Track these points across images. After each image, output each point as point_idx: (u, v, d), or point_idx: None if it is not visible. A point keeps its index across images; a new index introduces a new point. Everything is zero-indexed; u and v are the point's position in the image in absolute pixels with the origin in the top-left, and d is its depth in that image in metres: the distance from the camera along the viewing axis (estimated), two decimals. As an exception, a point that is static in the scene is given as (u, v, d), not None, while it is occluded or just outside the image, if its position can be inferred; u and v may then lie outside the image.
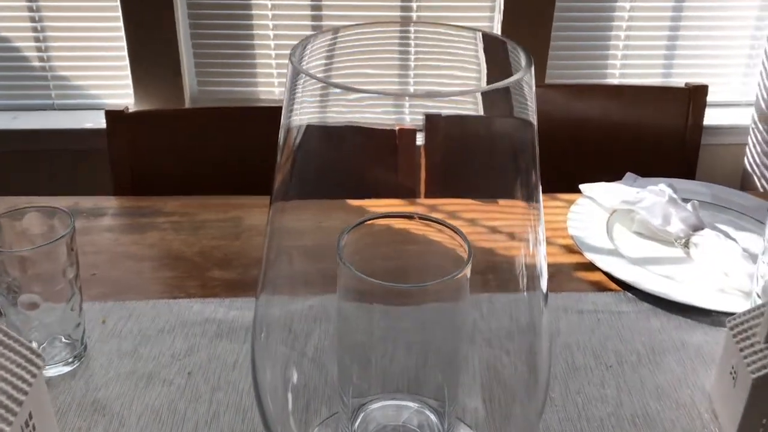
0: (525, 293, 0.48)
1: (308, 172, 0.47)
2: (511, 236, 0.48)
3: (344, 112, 0.55)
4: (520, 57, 0.40)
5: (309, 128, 0.47)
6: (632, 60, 1.72)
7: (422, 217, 0.47)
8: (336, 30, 0.46)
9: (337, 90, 0.50)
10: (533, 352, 0.48)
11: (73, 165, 1.61)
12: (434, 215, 0.47)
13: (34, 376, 0.47)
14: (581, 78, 1.69)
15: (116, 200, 0.91)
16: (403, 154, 0.92)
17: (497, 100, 0.44)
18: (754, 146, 1.56)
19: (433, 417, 0.50)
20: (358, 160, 0.57)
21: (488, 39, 0.44)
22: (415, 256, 0.51)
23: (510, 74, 0.41)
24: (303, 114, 0.46)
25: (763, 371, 0.51)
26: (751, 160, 1.58)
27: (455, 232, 0.45)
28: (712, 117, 1.67)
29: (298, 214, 0.48)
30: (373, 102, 0.46)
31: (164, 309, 0.69)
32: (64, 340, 0.61)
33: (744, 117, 1.66)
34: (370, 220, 0.46)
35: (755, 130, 1.55)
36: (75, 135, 1.62)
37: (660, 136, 1.09)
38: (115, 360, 0.62)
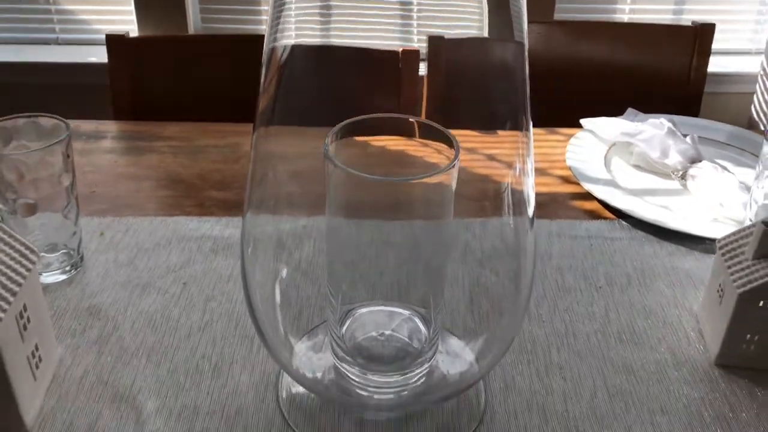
0: (511, 217, 0.49)
1: (297, 97, 0.47)
2: (504, 164, 0.48)
3: (341, 26, 0.54)
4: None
5: (297, 48, 0.46)
6: (642, 4, 1.69)
7: (413, 123, 0.47)
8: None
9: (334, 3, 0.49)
10: (518, 271, 0.49)
11: (76, 99, 1.60)
12: (433, 144, 0.47)
13: (28, 270, 0.48)
14: (590, 15, 1.66)
15: (116, 124, 0.91)
16: (405, 79, 0.92)
17: (497, 15, 0.44)
18: (762, 94, 1.55)
19: (419, 323, 0.51)
20: (355, 85, 0.56)
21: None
22: (406, 174, 0.50)
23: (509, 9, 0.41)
24: (290, 31, 0.46)
25: (749, 286, 0.51)
26: (758, 108, 1.56)
27: (444, 138, 0.45)
28: (721, 64, 1.66)
29: (286, 140, 0.49)
30: (374, 17, 0.46)
31: (161, 225, 0.69)
32: (60, 249, 0.62)
33: (753, 65, 1.64)
34: (359, 125, 0.46)
35: (763, 77, 1.54)
36: (78, 69, 1.62)
37: (665, 75, 1.07)
38: (112, 270, 0.63)
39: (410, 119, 0.47)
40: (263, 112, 0.46)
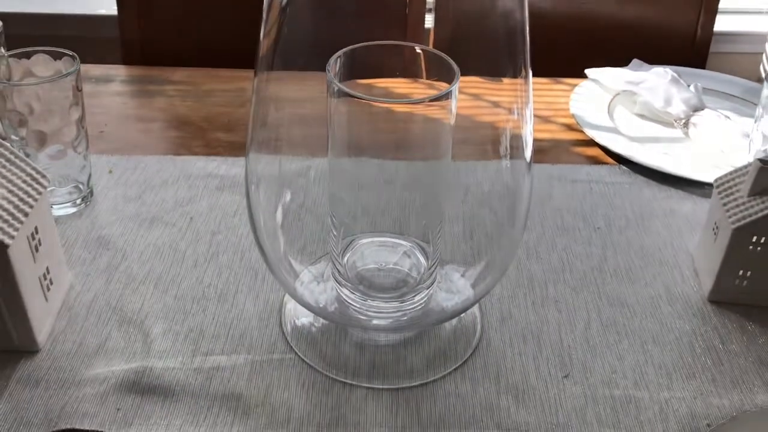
0: (510, 160, 0.50)
1: (299, 42, 0.48)
2: (506, 111, 0.49)
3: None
4: None
5: None
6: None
7: (414, 49, 0.48)
8: None
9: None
10: (513, 209, 0.50)
11: (85, 51, 1.61)
12: (437, 84, 0.48)
13: (39, 193, 0.49)
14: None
15: (125, 69, 0.92)
16: (411, 27, 0.91)
17: None
18: (771, 54, 1.53)
19: (419, 254, 0.53)
20: (359, 32, 0.57)
21: None
22: (404, 133, 0.50)
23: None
24: None
25: (743, 221, 0.52)
26: (766, 68, 1.55)
27: (445, 62, 0.45)
28: (730, 23, 1.64)
29: (287, 86, 0.49)
30: None
31: (169, 163, 0.71)
32: (71, 182, 0.63)
33: (762, 24, 1.62)
34: (361, 51, 0.47)
35: (773, 36, 1.52)
36: (87, 20, 1.62)
37: (671, 32, 1.07)
38: (120, 204, 0.65)
39: (412, 46, 0.48)
40: (264, 56, 0.47)
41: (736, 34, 1.62)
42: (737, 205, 0.53)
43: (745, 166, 0.56)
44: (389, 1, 0.87)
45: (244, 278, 0.57)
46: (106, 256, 0.59)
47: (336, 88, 0.43)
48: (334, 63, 0.45)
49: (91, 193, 0.65)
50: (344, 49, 0.45)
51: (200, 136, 0.76)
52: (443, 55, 0.46)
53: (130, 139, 0.75)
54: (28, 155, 0.59)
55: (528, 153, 0.48)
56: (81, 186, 0.64)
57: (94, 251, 0.59)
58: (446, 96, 0.44)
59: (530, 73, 0.46)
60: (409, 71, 0.50)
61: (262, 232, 0.49)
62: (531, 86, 0.47)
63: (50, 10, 1.66)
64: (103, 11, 1.64)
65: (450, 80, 0.44)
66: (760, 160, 0.52)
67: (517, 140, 0.49)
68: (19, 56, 0.60)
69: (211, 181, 0.68)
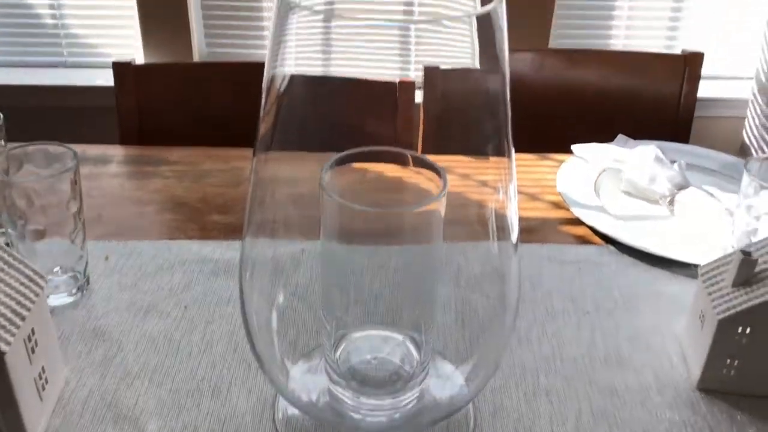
0: (496, 242, 0.51)
1: (296, 124, 0.50)
2: (491, 190, 0.50)
3: (339, 55, 0.57)
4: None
5: (296, 77, 0.49)
6: (636, 30, 1.72)
7: (405, 156, 0.50)
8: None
9: (333, 28, 0.52)
10: (504, 293, 0.51)
11: (83, 121, 1.64)
12: (425, 172, 0.50)
13: (37, 295, 0.50)
14: (585, 45, 1.70)
15: (122, 149, 0.94)
16: (402, 108, 0.94)
17: (485, 45, 0.46)
18: (753, 119, 1.57)
19: (411, 347, 0.53)
20: (353, 113, 0.59)
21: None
22: (398, 200, 0.53)
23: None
24: (290, 60, 0.48)
25: (728, 312, 0.53)
26: (750, 133, 1.59)
27: (433, 170, 0.47)
28: (712, 89, 1.68)
29: (285, 165, 0.51)
30: (371, 42, 0.48)
31: (164, 248, 0.72)
32: (67, 272, 0.64)
33: (745, 90, 1.67)
34: (353, 158, 0.49)
35: (754, 102, 1.56)
36: (86, 91, 1.65)
37: (656, 103, 1.10)
38: (116, 293, 0.65)
39: (402, 152, 0.49)
40: (263, 137, 0.48)
41: (719, 99, 1.66)
42: (722, 296, 0.55)
43: (729, 255, 0.57)
44: (380, 87, 0.90)
45: (238, 371, 0.57)
46: (102, 348, 0.59)
47: (329, 195, 0.45)
48: (325, 171, 0.46)
49: (88, 281, 0.66)
50: (336, 156, 0.47)
51: (196, 218, 0.78)
52: (431, 161, 0.47)
53: (127, 223, 0.76)
54: (25, 244, 0.60)
55: (514, 235, 0.49)
56: (78, 275, 0.65)
57: (90, 343, 0.60)
58: (438, 198, 0.46)
59: (512, 151, 0.48)
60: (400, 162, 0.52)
61: (256, 335, 0.50)
62: (514, 165, 0.48)
63: (50, 82, 1.69)
64: (101, 82, 1.67)
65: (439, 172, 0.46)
66: (743, 251, 0.54)
67: (503, 220, 0.50)
68: (19, 151, 0.62)
69: (206, 266, 0.69)
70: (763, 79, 1.55)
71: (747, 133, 1.62)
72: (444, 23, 0.46)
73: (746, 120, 1.62)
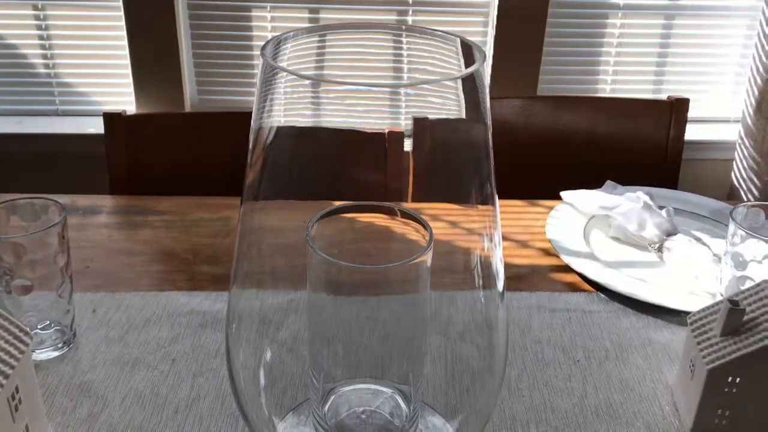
0: (482, 291, 0.51)
1: (283, 173, 0.50)
2: (477, 238, 0.51)
3: (323, 113, 0.58)
4: (477, 55, 0.43)
5: (282, 129, 0.49)
6: (623, 75, 1.76)
7: (392, 209, 0.50)
8: (315, 30, 0.49)
9: (316, 89, 0.52)
10: (492, 343, 0.51)
11: (75, 168, 1.64)
12: (413, 223, 0.50)
13: (21, 352, 0.50)
14: (573, 91, 1.73)
15: (112, 199, 0.94)
16: (391, 157, 0.95)
17: (469, 99, 0.47)
18: (741, 161, 1.59)
19: (400, 401, 0.53)
20: (338, 163, 0.59)
21: (463, 44, 0.47)
22: (385, 250, 0.53)
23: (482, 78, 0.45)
24: (276, 114, 0.49)
25: (717, 362, 0.53)
26: (738, 175, 1.60)
27: (419, 223, 0.48)
28: (700, 132, 1.71)
29: (272, 214, 0.51)
30: (353, 102, 0.49)
31: (152, 300, 0.71)
32: (54, 326, 0.63)
33: (732, 133, 1.69)
34: (340, 211, 0.49)
35: (741, 145, 1.58)
36: (77, 139, 1.66)
37: (643, 148, 1.11)
38: (103, 346, 0.65)
39: (389, 206, 0.50)
40: (250, 186, 0.49)
41: (707, 142, 1.69)
42: (711, 345, 0.54)
43: (717, 304, 0.57)
44: (369, 137, 0.91)
45: (225, 426, 0.57)
46: (87, 404, 0.58)
47: (316, 253, 0.45)
48: (311, 225, 0.47)
49: (74, 335, 0.65)
50: (322, 212, 0.47)
51: (185, 269, 0.77)
52: (416, 214, 0.48)
53: (115, 274, 0.76)
54: (11, 298, 0.60)
55: (500, 284, 0.49)
56: (64, 329, 0.64)
57: (75, 399, 0.59)
58: (424, 253, 0.46)
59: (496, 200, 0.48)
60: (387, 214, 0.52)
61: (243, 395, 0.49)
62: (498, 215, 0.49)
63: (43, 130, 1.70)
64: (92, 130, 1.68)
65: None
66: (730, 300, 0.54)
67: (486, 269, 0.50)
68: (6, 204, 0.62)
69: (194, 319, 0.69)
70: (749, 122, 1.57)
71: (735, 175, 1.63)
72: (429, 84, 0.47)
73: (734, 162, 1.63)
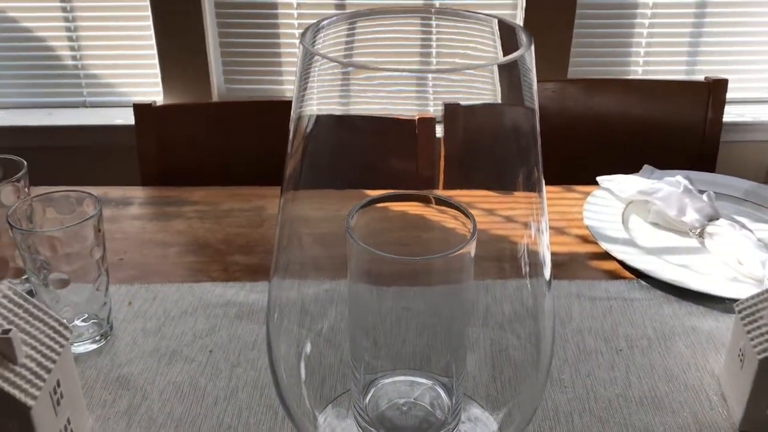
0: (528, 280, 0.50)
1: (322, 162, 0.49)
2: (521, 225, 0.49)
3: (360, 100, 0.57)
4: (523, 38, 0.41)
5: (321, 117, 0.49)
6: (655, 56, 1.72)
7: (431, 198, 0.49)
8: (351, 16, 0.48)
9: (353, 75, 0.51)
10: (537, 333, 0.50)
11: (103, 160, 1.65)
12: (449, 210, 0.49)
13: (62, 346, 0.50)
14: (604, 73, 1.69)
15: (143, 190, 0.94)
16: (422, 144, 0.94)
17: (509, 86, 0.45)
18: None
19: (442, 393, 0.52)
20: (375, 151, 0.58)
21: (502, 26, 0.45)
22: (425, 239, 0.52)
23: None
24: (315, 102, 0.48)
25: (769, 352, 0.51)
26: (776, 157, 1.57)
27: (462, 212, 0.47)
28: (735, 113, 1.67)
29: (311, 204, 0.50)
30: (391, 89, 0.48)
31: (187, 292, 0.71)
32: (91, 319, 0.63)
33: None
34: (380, 201, 0.48)
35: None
36: (106, 131, 1.67)
37: (680, 131, 1.09)
38: (140, 339, 0.65)
39: (427, 195, 0.48)
40: (290, 176, 0.48)
41: (745, 123, 1.65)
42: (761, 333, 0.53)
43: (766, 291, 0.55)
44: (400, 123, 0.90)
45: (264, 417, 0.56)
46: (127, 397, 0.58)
47: (356, 242, 0.44)
48: (350, 217, 0.46)
49: (111, 327, 0.65)
50: (361, 203, 0.46)
51: (218, 260, 0.77)
52: (459, 204, 0.46)
53: (149, 266, 0.76)
54: (49, 292, 0.60)
55: (547, 271, 0.48)
56: (102, 322, 0.64)
57: (114, 392, 0.59)
58: (467, 244, 0.44)
59: (543, 187, 0.47)
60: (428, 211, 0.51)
61: (284, 385, 0.49)
62: (545, 201, 0.47)
63: (72, 122, 1.72)
64: (120, 121, 1.69)
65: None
66: (781, 287, 0.52)
67: (533, 257, 0.49)
68: (42, 198, 0.62)
69: (230, 310, 0.69)
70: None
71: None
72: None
73: (770, 144, 1.60)
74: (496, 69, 0.44)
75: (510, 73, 0.43)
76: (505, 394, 0.54)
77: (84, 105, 1.77)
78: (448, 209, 0.49)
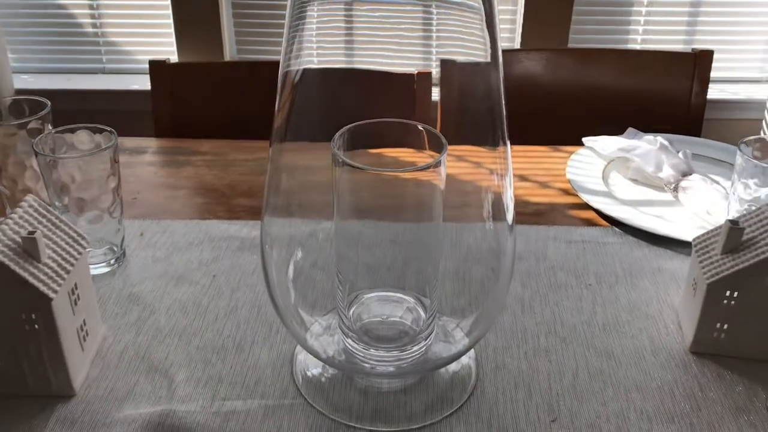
0: (491, 223, 0.56)
1: (309, 115, 0.54)
2: (498, 176, 0.55)
3: (353, 53, 0.62)
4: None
5: (308, 71, 0.53)
6: (654, 26, 1.76)
7: (411, 126, 0.54)
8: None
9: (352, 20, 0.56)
10: (500, 265, 0.55)
11: (121, 123, 1.72)
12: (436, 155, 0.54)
13: (80, 253, 0.56)
14: (604, 44, 1.74)
15: (156, 141, 1.00)
16: (419, 99, 0.99)
17: (492, 47, 0.50)
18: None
19: (418, 308, 0.58)
20: (366, 105, 0.64)
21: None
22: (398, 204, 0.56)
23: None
24: (304, 56, 0.53)
25: (716, 277, 0.57)
26: (767, 134, 1.60)
27: (436, 139, 0.52)
28: (730, 91, 1.70)
29: (299, 154, 0.56)
30: (385, 47, 0.53)
31: (195, 227, 0.77)
32: (106, 244, 0.69)
33: (762, 92, 1.68)
34: (364, 128, 0.53)
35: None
36: (123, 96, 1.74)
37: (666, 101, 1.13)
38: (150, 264, 0.71)
39: (406, 123, 0.54)
40: (278, 129, 0.53)
41: (732, 101, 1.68)
42: (712, 263, 0.58)
43: (720, 227, 0.60)
44: (398, 78, 0.95)
45: (260, 331, 0.62)
46: (136, 311, 0.65)
47: (340, 159, 0.49)
48: (339, 137, 0.51)
49: (124, 254, 0.71)
50: (347, 126, 0.52)
51: (224, 202, 0.83)
52: (432, 129, 0.52)
53: (160, 205, 0.82)
54: (69, 216, 0.66)
55: (509, 216, 0.54)
56: (115, 248, 0.70)
57: (126, 307, 0.65)
58: (436, 165, 0.50)
59: (508, 144, 0.52)
60: (408, 143, 0.56)
61: (275, 287, 0.55)
62: (509, 154, 0.53)
63: (91, 87, 1.78)
64: (136, 87, 1.75)
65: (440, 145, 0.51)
66: (730, 221, 0.57)
67: (502, 204, 0.55)
68: (63, 132, 0.68)
69: (232, 243, 0.74)
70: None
71: (765, 134, 1.63)
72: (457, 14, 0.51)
73: (763, 122, 1.63)
74: (484, 24, 0.49)
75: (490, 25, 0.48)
76: (470, 308, 0.59)
77: (103, 71, 1.84)
78: (436, 154, 0.54)
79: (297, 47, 0.52)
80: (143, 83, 1.72)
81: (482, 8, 0.48)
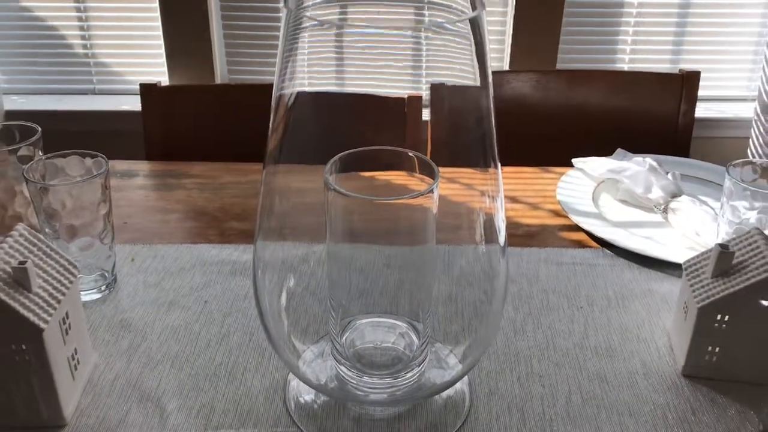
0: (484, 245, 0.56)
1: (302, 138, 0.55)
2: (489, 199, 0.55)
3: (344, 77, 0.62)
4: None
5: (302, 94, 0.54)
6: (641, 46, 1.78)
7: (402, 153, 0.54)
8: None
9: (345, 46, 0.57)
10: (493, 288, 0.56)
11: (111, 144, 1.72)
12: (427, 179, 0.54)
13: (71, 282, 0.55)
14: (592, 61, 1.75)
15: (147, 164, 1.00)
16: (410, 123, 0.99)
17: (482, 70, 0.51)
18: (757, 138, 1.60)
19: (411, 333, 0.58)
20: (358, 129, 0.64)
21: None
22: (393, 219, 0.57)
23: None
24: (298, 79, 0.53)
25: (707, 300, 0.57)
26: (754, 152, 1.62)
27: (428, 167, 0.52)
28: (716, 109, 1.72)
29: (292, 176, 0.56)
30: (379, 70, 0.53)
31: (186, 251, 0.77)
32: (97, 270, 0.69)
33: (749, 110, 1.70)
34: (356, 156, 0.54)
35: (757, 122, 1.60)
36: (113, 116, 1.74)
37: (655, 121, 1.14)
38: (141, 290, 0.71)
39: (398, 150, 0.54)
40: (272, 151, 0.53)
41: (720, 120, 1.70)
42: (702, 286, 0.58)
43: (710, 250, 0.61)
44: (389, 101, 0.95)
45: (252, 357, 0.62)
46: (128, 337, 0.64)
47: (332, 187, 0.49)
48: (332, 165, 0.51)
49: (115, 279, 0.71)
50: (340, 154, 0.52)
51: (215, 225, 0.83)
52: (424, 157, 0.52)
53: (151, 229, 0.82)
54: (60, 243, 0.66)
55: (501, 238, 0.54)
56: (106, 274, 0.70)
57: (117, 333, 0.65)
58: (429, 191, 0.50)
59: (499, 166, 0.53)
60: (400, 167, 0.57)
61: (268, 315, 0.55)
62: (500, 176, 0.53)
63: (81, 107, 1.78)
64: (127, 107, 1.75)
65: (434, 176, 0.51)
66: (720, 245, 0.58)
67: (494, 226, 0.55)
68: (54, 157, 0.68)
69: (224, 267, 0.74)
70: (765, 99, 1.59)
71: (751, 152, 1.65)
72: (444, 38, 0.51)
73: (750, 140, 1.65)
74: (473, 47, 0.50)
75: (479, 47, 0.48)
76: (463, 335, 0.59)
77: (93, 92, 1.84)
78: (427, 178, 0.54)
79: (290, 71, 0.52)
80: (134, 104, 1.72)
81: (472, 36, 0.49)
